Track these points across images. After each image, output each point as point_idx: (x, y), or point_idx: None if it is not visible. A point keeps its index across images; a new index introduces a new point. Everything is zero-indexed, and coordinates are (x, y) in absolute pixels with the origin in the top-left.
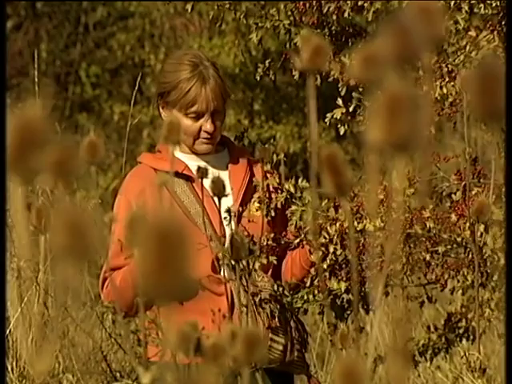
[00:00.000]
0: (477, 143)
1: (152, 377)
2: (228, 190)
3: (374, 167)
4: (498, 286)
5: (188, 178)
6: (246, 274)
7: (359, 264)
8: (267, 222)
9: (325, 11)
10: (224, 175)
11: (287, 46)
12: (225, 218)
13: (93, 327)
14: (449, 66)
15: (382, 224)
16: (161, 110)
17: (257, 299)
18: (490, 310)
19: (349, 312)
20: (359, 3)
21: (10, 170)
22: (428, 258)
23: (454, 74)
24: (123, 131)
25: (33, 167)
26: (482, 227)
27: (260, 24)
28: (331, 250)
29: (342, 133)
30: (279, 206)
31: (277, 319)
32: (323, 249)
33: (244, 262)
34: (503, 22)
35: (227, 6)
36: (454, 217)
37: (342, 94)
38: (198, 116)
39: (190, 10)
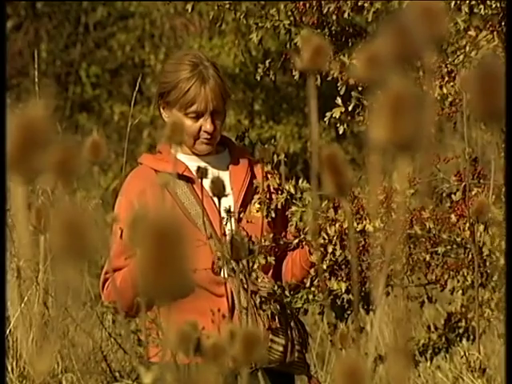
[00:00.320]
0: (477, 143)
1: (154, 377)
2: (228, 190)
3: (375, 167)
4: (498, 286)
5: (188, 180)
6: (245, 274)
7: (359, 264)
8: (267, 223)
9: (325, 11)
10: (225, 176)
11: (287, 46)
12: (224, 218)
13: (93, 327)
14: (449, 65)
15: (382, 224)
16: (161, 110)
17: (256, 298)
18: (489, 310)
19: (349, 312)
20: (359, 3)
21: (11, 170)
22: (428, 258)
23: (453, 74)
24: (123, 131)
25: (34, 167)
26: (481, 227)
27: (260, 24)
28: (330, 250)
29: (341, 132)
30: (279, 206)
31: (277, 320)
32: (322, 249)
33: (244, 262)
34: (503, 22)
35: (227, 6)
36: (453, 217)
37: (342, 93)
38: (197, 116)
39: (190, 10)
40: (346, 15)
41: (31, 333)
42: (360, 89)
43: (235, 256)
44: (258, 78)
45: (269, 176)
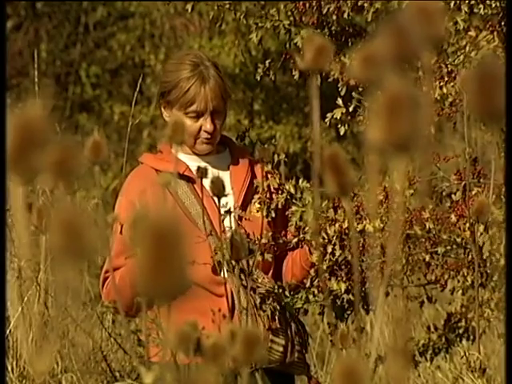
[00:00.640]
0: (477, 143)
1: (154, 377)
2: (228, 190)
3: (374, 167)
4: (498, 286)
5: (189, 179)
6: (245, 274)
7: (359, 265)
8: (267, 223)
9: (325, 11)
10: (225, 176)
11: (287, 45)
12: (223, 219)
13: (93, 327)
14: (448, 66)
15: (382, 225)
16: (162, 109)
17: (256, 297)
18: (489, 310)
19: (349, 312)
20: (359, 3)
21: (11, 170)
22: (428, 258)
23: (453, 74)
24: (123, 131)
25: (33, 167)
26: (481, 227)
27: (260, 24)
28: (329, 250)
29: (342, 133)
30: (280, 206)
31: (277, 320)
32: (322, 249)
33: (244, 262)
34: (503, 22)
35: (227, 6)
36: (453, 217)
37: (342, 94)
38: (197, 115)
39: (190, 10)
40: (345, 15)
41: (31, 333)
42: (360, 89)
43: (235, 256)
44: (258, 78)
45: (269, 176)
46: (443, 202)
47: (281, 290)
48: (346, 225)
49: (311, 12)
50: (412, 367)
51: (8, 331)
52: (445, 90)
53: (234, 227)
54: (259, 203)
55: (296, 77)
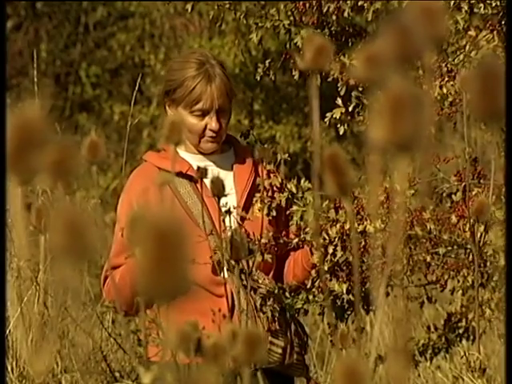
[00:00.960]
0: (477, 143)
1: (153, 377)
2: (231, 189)
3: (374, 167)
4: (498, 287)
5: (192, 179)
6: (245, 274)
7: (360, 265)
8: (269, 222)
9: (325, 11)
10: (229, 175)
11: (287, 45)
12: (223, 218)
13: (93, 327)
14: (448, 65)
15: (383, 225)
16: (167, 108)
17: (256, 298)
18: (490, 310)
19: (349, 312)
20: (359, 3)
21: (10, 170)
22: (428, 259)
23: (453, 74)
24: (123, 131)
25: (32, 167)
26: (481, 228)
27: (260, 24)
28: (330, 251)
29: (341, 132)
30: (283, 205)
31: (277, 322)
32: (323, 250)
33: (244, 262)
34: (503, 22)
35: (227, 6)
36: (454, 218)
37: (342, 93)
38: (203, 114)
39: (190, 10)
40: (345, 15)
41: (31, 333)
42: (360, 89)
43: (235, 256)
44: (258, 78)
45: (271, 175)
46: (443, 202)
47: (281, 291)
48: (347, 226)
49: (311, 12)
50: (412, 367)
51: (8, 331)
52: (445, 90)
53: (233, 227)
54: (260, 202)
55: (296, 77)
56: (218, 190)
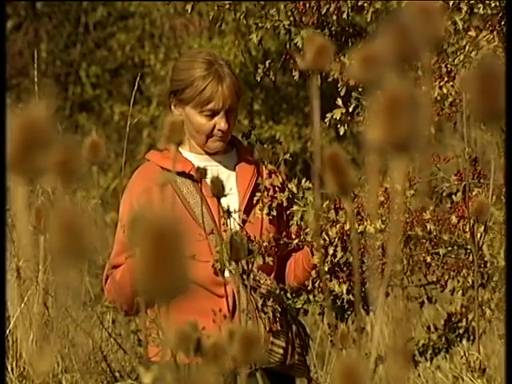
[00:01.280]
0: (477, 143)
1: (153, 377)
2: (234, 190)
3: (374, 168)
4: (498, 287)
5: (195, 179)
6: (246, 274)
7: (360, 266)
8: (270, 222)
9: (324, 11)
10: (232, 176)
11: (287, 46)
12: (224, 219)
13: (93, 327)
14: (448, 66)
15: (383, 226)
16: (173, 107)
17: (257, 298)
18: (490, 311)
19: (349, 312)
20: (359, 3)
21: (12, 170)
22: (428, 259)
23: (453, 74)
24: (123, 131)
25: (34, 167)
26: (481, 228)
27: (260, 24)
28: (330, 252)
29: (341, 133)
30: (284, 204)
31: (278, 322)
32: (323, 251)
33: (243, 263)
34: (503, 22)
35: (227, 6)
36: (454, 218)
37: (342, 94)
38: (212, 114)
39: (190, 10)
40: (345, 15)
41: (31, 333)
42: (360, 89)
43: (234, 256)
44: (258, 78)
45: (272, 175)
46: (443, 202)
47: (282, 292)
48: (347, 226)
49: (311, 12)
50: (412, 367)
51: (8, 331)
52: (445, 90)
53: (235, 228)
54: (260, 202)
55: (296, 77)
56: (218, 190)
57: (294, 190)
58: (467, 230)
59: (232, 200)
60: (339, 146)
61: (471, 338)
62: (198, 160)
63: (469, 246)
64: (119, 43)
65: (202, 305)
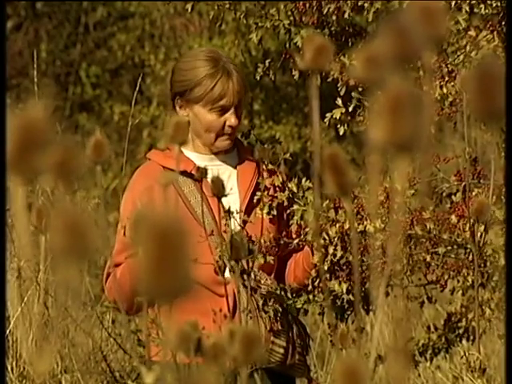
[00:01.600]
0: (477, 143)
1: (155, 377)
2: (235, 189)
3: (374, 168)
4: (498, 286)
5: (196, 178)
6: (246, 274)
7: (360, 265)
8: (271, 222)
9: (325, 11)
10: (234, 175)
11: (287, 45)
12: (225, 219)
13: (93, 327)
14: (449, 65)
15: (383, 225)
16: (178, 109)
17: (257, 297)
18: (490, 310)
19: (349, 312)
20: (359, 3)
21: (11, 170)
22: (428, 258)
23: (453, 74)
24: (123, 131)
25: (33, 168)
26: (481, 228)
27: (260, 24)
28: (330, 251)
29: (341, 133)
30: (285, 204)
31: (278, 322)
32: (323, 250)
33: (244, 262)
34: (503, 22)
35: (227, 6)
36: (454, 218)
37: (342, 94)
38: (222, 110)
39: (190, 10)
40: (346, 15)
41: (31, 333)
42: (360, 89)
43: (235, 256)
44: (258, 78)
45: (272, 175)
46: (443, 202)
47: (283, 292)
48: (347, 225)
49: (311, 12)
50: (412, 367)
51: (8, 331)
52: (445, 90)
53: (236, 227)
54: (260, 201)
55: (296, 77)
56: (218, 190)
57: (294, 189)
58: (467, 229)
59: (233, 200)
60: (339, 146)
61: (471, 337)
62: (200, 159)
63: (469, 246)
64: (119, 43)
65: (203, 304)
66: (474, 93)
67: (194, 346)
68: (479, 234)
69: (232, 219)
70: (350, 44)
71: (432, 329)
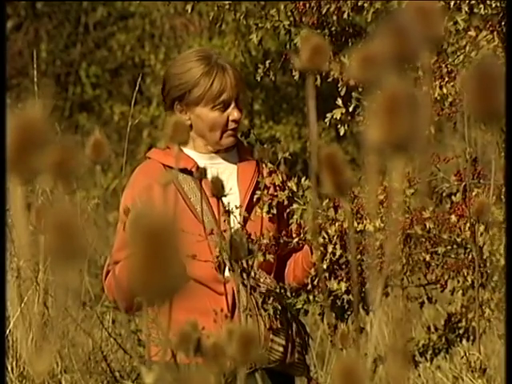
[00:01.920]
0: (477, 143)
1: (155, 377)
2: (235, 189)
3: (373, 167)
4: (498, 287)
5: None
6: (246, 273)
7: (359, 264)
8: (270, 221)
9: (324, 12)
10: (234, 174)
11: (287, 46)
12: (224, 219)
13: (93, 327)
14: (448, 66)
15: (382, 225)
16: (178, 114)
17: (257, 296)
18: (490, 311)
19: (349, 312)
20: (359, 3)
21: (10, 170)
22: (428, 258)
23: (453, 74)
24: (123, 131)
25: (33, 167)
26: (482, 228)
27: (260, 24)
28: (330, 250)
29: (341, 133)
30: (284, 203)
31: (278, 320)
32: (322, 249)
33: (243, 262)
34: (503, 22)
35: (227, 6)
36: (454, 217)
37: (342, 94)
38: (224, 106)
39: (190, 11)
40: (345, 15)
41: (31, 333)
42: (360, 89)
43: (234, 255)
44: (258, 79)
45: (272, 174)
46: (443, 202)
47: (282, 291)
48: (346, 224)
49: (311, 12)
50: (412, 367)
51: (8, 331)
52: (445, 90)
53: (236, 226)
54: (259, 200)
55: (296, 77)
56: (218, 189)
57: (294, 188)
58: (467, 229)
59: (233, 199)
60: (338, 146)
61: (471, 338)
62: (200, 158)
63: (469, 246)
64: (119, 43)
65: (203, 303)
66: (473, 93)
67: (193, 346)
68: (479, 234)
69: (232, 218)
70: (349, 44)
71: (432, 329)
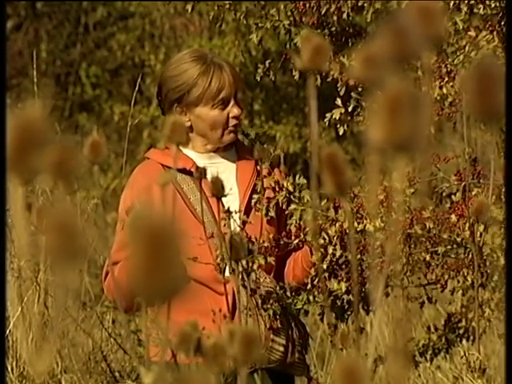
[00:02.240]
0: (477, 143)
1: (154, 377)
2: (234, 189)
3: (374, 167)
4: (498, 286)
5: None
6: (246, 274)
7: (359, 264)
8: (269, 221)
9: (324, 12)
10: (233, 174)
11: (287, 46)
12: (223, 218)
13: (93, 327)
14: (448, 66)
15: (382, 224)
16: (178, 116)
17: (257, 297)
18: (490, 310)
19: (349, 313)
20: (359, 3)
21: (10, 170)
22: (428, 258)
23: (453, 74)
24: (123, 131)
25: (32, 167)
26: (481, 227)
27: (260, 24)
28: (330, 250)
29: (341, 133)
30: (283, 204)
31: (278, 320)
32: (322, 250)
33: (243, 262)
34: (503, 22)
35: (227, 6)
36: (453, 217)
37: (342, 94)
38: (224, 103)
39: (190, 10)
40: (345, 15)
41: (31, 333)
42: (360, 89)
43: (234, 256)
44: (258, 78)
45: (272, 174)
46: (443, 202)
47: (282, 291)
48: (346, 225)
49: (311, 12)
50: (412, 367)
51: (8, 331)
52: (444, 90)
53: (236, 227)
54: (258, 201)
55: (296, 77)
56: (217, 190)
57: (290, 188)
58: (467, 229)
59: (232, 199)
60: (338, 146)
61: (471, 338)
62: (199, 158)
63: (468, 246)
64: (119, 43)
65: (203, 303)
66: (473, 93)
67: (193, 346)
68: (479, 234)
69: (231, 219)
70: (349, 44)
71: (432, 329)
